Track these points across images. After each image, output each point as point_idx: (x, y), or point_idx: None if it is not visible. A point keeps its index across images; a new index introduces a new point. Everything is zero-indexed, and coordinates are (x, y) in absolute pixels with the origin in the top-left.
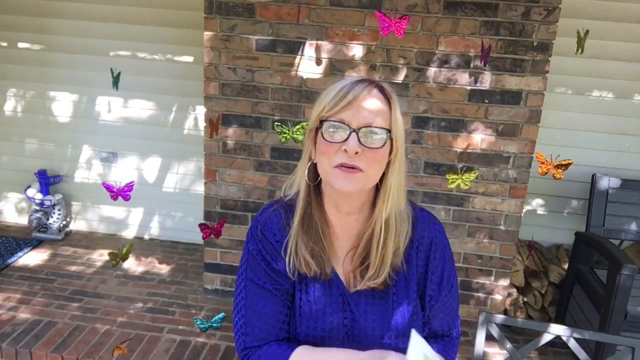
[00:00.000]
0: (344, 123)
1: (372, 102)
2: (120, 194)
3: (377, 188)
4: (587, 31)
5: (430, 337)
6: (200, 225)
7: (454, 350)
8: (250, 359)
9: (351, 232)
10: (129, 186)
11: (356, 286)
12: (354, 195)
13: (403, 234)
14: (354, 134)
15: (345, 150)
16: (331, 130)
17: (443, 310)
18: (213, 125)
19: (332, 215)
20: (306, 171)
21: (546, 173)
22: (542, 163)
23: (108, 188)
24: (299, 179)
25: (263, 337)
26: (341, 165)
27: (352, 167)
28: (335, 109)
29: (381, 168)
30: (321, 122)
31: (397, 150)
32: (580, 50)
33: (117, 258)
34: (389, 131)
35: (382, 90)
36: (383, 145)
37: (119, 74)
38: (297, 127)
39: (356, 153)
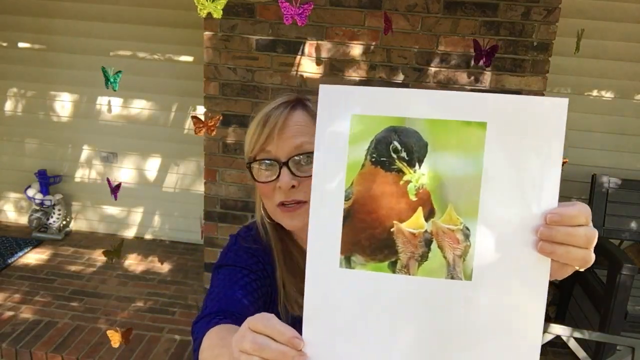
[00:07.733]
0: (271, 158)
1: (295, 125)
2: (113, 192)
3: None
4: (582, 30)
5: None
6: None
7: None
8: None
9: None
10: (117, 187)
11: None
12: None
13: None
14: (284, 167)
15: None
16: (260, 169)
17: None
18: (205, 123)
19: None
20: (262, 211)
21: None
22: None
23: (109, 184)
24: (259, 219)
25: (207, 313)
26: (281, 204)
27: (295, 203)
28: (258, 145)
29: None
30: (249, 164)
31: None
32: (576, 49)
33: (112, 255)
34: None
35: (305, 107)
36: None
37: (118, 72)
38: None
39: (293, 187)
